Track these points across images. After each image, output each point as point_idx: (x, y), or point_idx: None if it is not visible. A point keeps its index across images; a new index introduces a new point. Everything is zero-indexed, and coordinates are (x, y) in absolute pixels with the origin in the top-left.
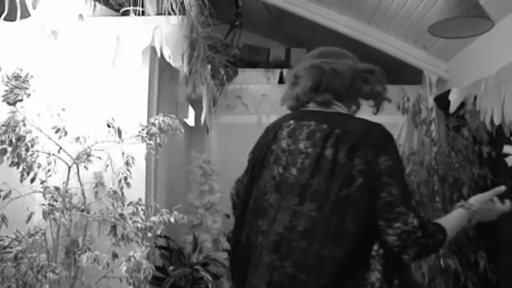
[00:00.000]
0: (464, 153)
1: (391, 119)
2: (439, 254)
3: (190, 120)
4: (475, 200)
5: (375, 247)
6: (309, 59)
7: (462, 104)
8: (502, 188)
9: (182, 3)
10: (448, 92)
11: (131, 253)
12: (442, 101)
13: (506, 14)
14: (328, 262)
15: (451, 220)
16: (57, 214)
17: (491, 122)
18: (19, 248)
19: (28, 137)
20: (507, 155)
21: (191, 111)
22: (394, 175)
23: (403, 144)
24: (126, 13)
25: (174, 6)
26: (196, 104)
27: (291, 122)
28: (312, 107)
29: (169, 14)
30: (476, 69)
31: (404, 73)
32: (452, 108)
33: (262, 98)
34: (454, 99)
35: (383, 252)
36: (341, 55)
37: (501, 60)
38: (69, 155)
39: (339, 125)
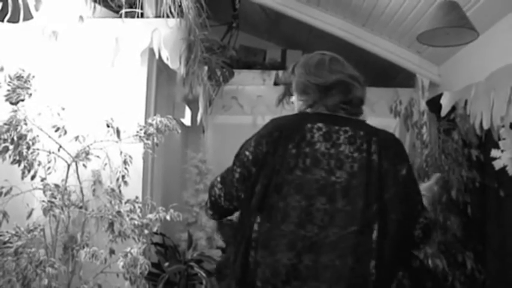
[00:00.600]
0: (453, 156)
1: (384, 122)
2: (428, 254)
3: (187, 120)
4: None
5: None
6: (330, 70)
7: (453, 108)
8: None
9: (180, 6)
10: (440, 95)
11: (128, 249)
12: (434, 104)
13: (495, 23)
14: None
15: None
16: (57, 211)
17: (481, 126)
18: (19, 243)
19: (29, 136)
20: (494, 158)
21: (187, 111)
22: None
23: None
24: (125, 15)
25: (172, 9)
26: (193, 104)
27: (320, 125)
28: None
29: (167, 16)
30: (467, 74)
31: (398, 76)
32: (444, 112)
33: (257, 99)
34: (446, 103)
35: None
36: (350, 66)
37: (491, 66)
38: (68, 153)
39: (372, 132)
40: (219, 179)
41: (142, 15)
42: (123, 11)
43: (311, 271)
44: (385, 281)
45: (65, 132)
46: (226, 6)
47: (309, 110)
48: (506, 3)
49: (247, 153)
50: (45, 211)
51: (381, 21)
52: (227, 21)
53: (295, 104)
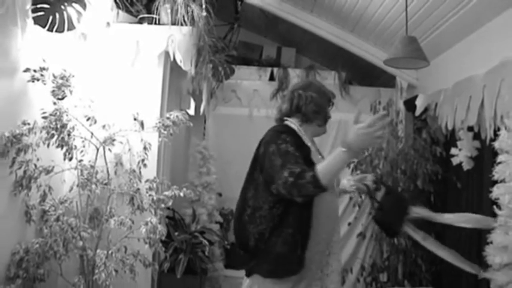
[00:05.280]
0: (421, 151)
1: (366, 118)
2: None
3: (191, 111)
4: (350, 133)
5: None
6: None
7: (426, 109)
8: (380, 114)
9: (192, 14)
10: (416, 97)
11: (148, 219)
12: (411, 104)
13: (463, 38)
14: None
15: (328, 159)
16: (93, 186)
17: (446, 127)
18: (60, 211)
19: (69, 125)
20: (453, 155)
21: (192, 103)
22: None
23: None
24: (142, 19)
25: (185, 18)
26: (197, 96)
27: None
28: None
29: (181, 24)
30: (439, 80)
31: (381, 77)
32: (418, 112)
33: (254, 92)
34: (420, 104)
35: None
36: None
37: (458, 75)
38: (97, 139)
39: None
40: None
41: (159, 21)
42: (141, 15)
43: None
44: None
45: (95, 122)
46: (229, 6)
47: None
48: (474, 22)
49: None
50: (83, 186)
51: (367, 29)
52: (229, 21)
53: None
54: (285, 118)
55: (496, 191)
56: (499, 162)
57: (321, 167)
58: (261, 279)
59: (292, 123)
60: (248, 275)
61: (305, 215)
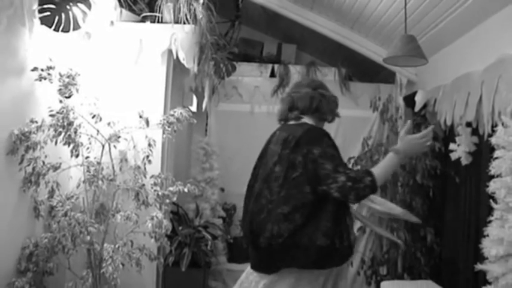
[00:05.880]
0: None
1: (366, 114)
2: (393, 227)
3: (193, 107)
4: (400, 140)
5: None
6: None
7: (425, 105)
8: (430, 128)
9: (194, 13)
10: (415, 93)
11: (154, 213)
12: (410, 100)
13: (462, 35)
14: None
15: (382, 163)
16: (100, 182)
17: (445, 122)
18: (67, 207)
19: (76, 122)
20: (452, 151)
21: (194, 99)
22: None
23: (373, 137)
24: (145, 18)
25: (188, 16)
26: (199, 93)
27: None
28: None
29: (183, 22)
30: (438, 76)
31: (380, 73)
32: (417, 108)
33: (255, 89)
34: (419, 100)
35: None
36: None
37: (457, 71)
38: (103, 136)
39: (291, 132)
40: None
41: (161, 19)
42: (144, 14)
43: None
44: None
45: (100, 119)
46: (230, 3)
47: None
48: (472, 19)
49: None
50: (90, 182)
51: (367, 25)
52: (231, 18)
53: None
54: (301, 116)
55: (493, 186)
56: (496, 158)
57: (377, 172)
58: (297, 273)
59: (310, 121)
60: (273, 271)
61: (341, 210)
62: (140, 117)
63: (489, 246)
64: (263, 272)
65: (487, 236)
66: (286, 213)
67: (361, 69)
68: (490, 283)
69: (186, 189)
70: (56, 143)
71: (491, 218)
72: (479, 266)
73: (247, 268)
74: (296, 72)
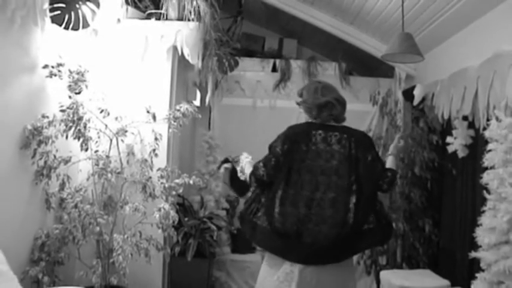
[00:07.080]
0: (418, 140)
1: (366, 108)
2: (393, 218)
3: (197, 102)
4: (391, 148)
5: None
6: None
7: (423, 99)
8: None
9: (198, 9)
10: (414, 87)
11: (161, 205)
12: (409, 94)
13: (459, 31)
14: None
15: (392, 163)
16: (109, 175)
17: (442, 116)
18: (77, 199)
19: (85, 117)
20: (448, 143)
21: (198, 94)
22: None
23: (373, 130)
24: (150, 15)
25: (192, 13)
26: (202, 87)
27: (320, 131)
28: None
29: (188, 19)
30: (436, 71)
31: (380, 67)
32: (416, 102)
33: (257, 83)
34: (417, 94)
35: None
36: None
37: (454, 66)
38: (111, 131)
39: (351, 134)
40: (261, 164)
41: (166, 16)
42: (149, 11)
43: (318, 218)
44: (358, 223)
45: (108, 114)
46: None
47: (312, 121)
48: (469, 16)
49: (277, 149)
50: (99, 175)
51: (366, 21)
52: (233, 14)
53: (303, 116)
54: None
55: (486, 177)
56: (489, 150)
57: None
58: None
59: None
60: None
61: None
62: (147, 112)
63: (482, 235)
64: (332, 262)
65: (481, 225)
66: (363, 206)
67: (361, 64)
68: (483, 270)
69: (191, 181)
70: (66, 137)
71: (484, 208)
72: (473, 254)
73: (281, 273)
74: (297, 67)
